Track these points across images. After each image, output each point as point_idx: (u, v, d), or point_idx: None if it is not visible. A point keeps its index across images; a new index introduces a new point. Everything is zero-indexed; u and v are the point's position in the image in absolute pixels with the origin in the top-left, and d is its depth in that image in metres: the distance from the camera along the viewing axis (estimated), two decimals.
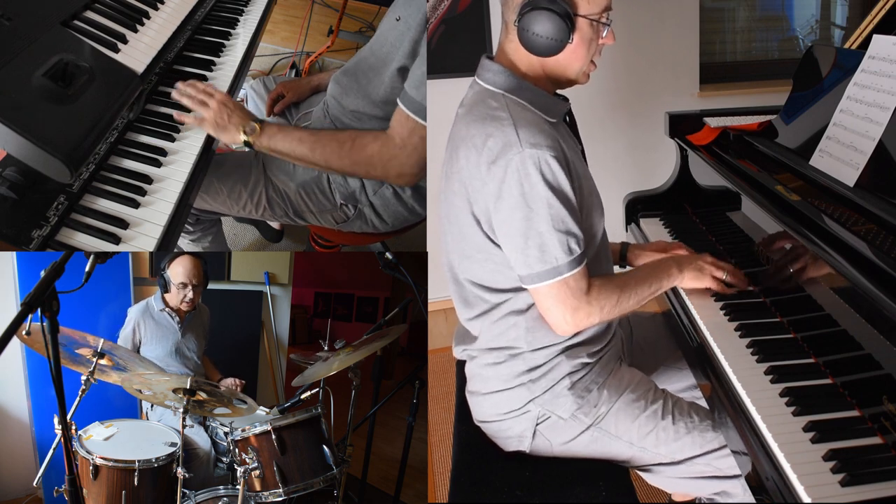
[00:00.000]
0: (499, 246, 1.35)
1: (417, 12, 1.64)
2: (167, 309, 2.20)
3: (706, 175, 1.96)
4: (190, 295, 2.17)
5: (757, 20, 3.79)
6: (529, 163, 1.26)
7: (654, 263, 1.54)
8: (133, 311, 2.21)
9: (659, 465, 1.47)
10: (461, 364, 1.62)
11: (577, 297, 1.33)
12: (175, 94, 1.68)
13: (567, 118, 1.51)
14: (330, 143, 1.70)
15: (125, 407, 2.26)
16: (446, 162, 1.44)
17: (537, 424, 1.45)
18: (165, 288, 2.17)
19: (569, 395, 1.43)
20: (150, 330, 2.19)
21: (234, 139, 1.68)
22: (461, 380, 1.65)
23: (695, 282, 1.53)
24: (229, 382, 2.19)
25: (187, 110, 1.71)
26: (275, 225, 2.82)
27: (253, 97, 2.36)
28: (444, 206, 1.46)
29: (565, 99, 1.48)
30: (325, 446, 1.81)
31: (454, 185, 1.39)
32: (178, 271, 2.15)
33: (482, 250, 1.38)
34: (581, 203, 1.35)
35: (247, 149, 1.74)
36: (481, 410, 1.51)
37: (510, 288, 1.39)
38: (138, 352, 2.17)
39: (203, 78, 1.86)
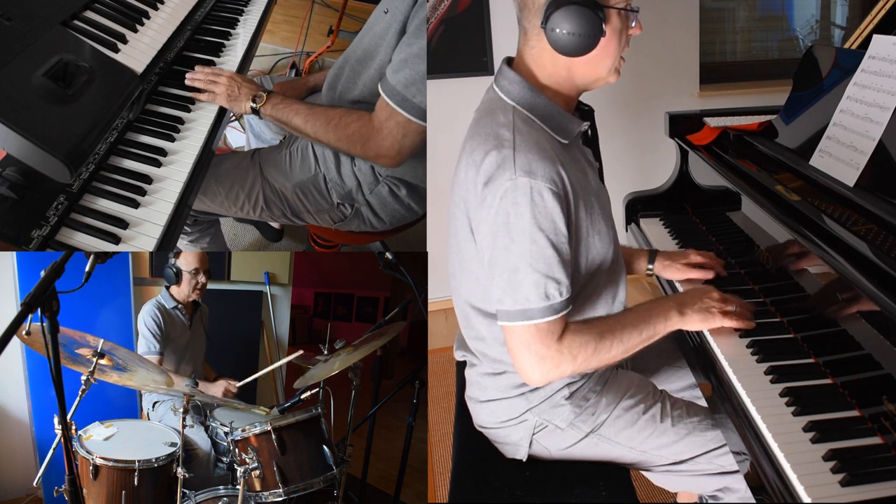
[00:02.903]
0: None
1: (403, 3, 1.65)
2: (178, 306, 2.22)
3: (706, 175, 1.96)
4: (203, 280, 2.21)
5: (757, 20, 3.79)
6: (520, 192, 1.17)
7: (649, 305, 1.37)
8: (151, 311, 2.17)
9: (661, 465, 1.47)
10: (461, 365, 1.61)
11: (546, 344, 1.22)
12: (188, 80, 1.77)
13: (589, 131, 1.43)
14: (320, 118, 1.78)
15: (125, 407, 2.26)
16: (455, 170, 1.39)
17: (534, 434, 1.43)
18: (176, 279, 2.18)
19: (566, 405, 1.41)
20: (169, 327, 2.20)
21: (245, 108, 1.80)
22: (461, 380, 1.65)
23: (703, 323, 1.38)
24: (223, 387, 2.17)
25: (185, 109, 1.73)
26: (275, 224, 2.83)
27: None
28: (449, 218, 1.40)
29: (588, 111, 1.41)
30: (325, 446, 1.81)
31: (456, 196, 1.34)
32: (189, 259, 2.19)
33: (478, 266, 1.31)
34: (581, 235, 1.27)
35: (247, 148, 1.75)
36: (479, 417, 1.51)
37: None
38: (163, 351, 2.17)
39: None
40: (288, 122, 1.80)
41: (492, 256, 1.23)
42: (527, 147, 1.20)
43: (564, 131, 1.30)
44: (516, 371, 1.29)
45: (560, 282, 1.21)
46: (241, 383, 2.17)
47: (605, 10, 1.23)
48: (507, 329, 1.25)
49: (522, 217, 1.18)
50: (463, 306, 1.43)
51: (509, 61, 1.36)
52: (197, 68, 1.80)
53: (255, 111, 1.79)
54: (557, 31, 1.22)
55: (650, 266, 1.68)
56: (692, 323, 1.37)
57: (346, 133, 1.75)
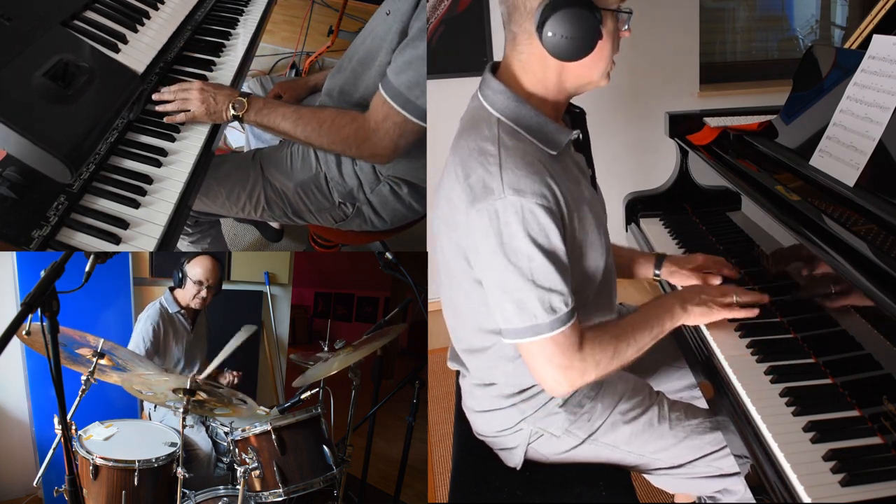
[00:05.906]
0: (481, 283, 1.26)
1: (405, 4, 1.64)
2: (181, 311, 2.20)
3: (706, 175, 1.96)
4: (203, 294, 2.18)
5: (757, 20, 3.79)
6: (511, 211, 1.14)
7: (653, 304, 1.38)
8: (150, 315, 2.16)
9: (659, 469, 1.47)
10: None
11: (568, 355, 1.21)
12: (159, 106, 1.68)
13: (581, 135, 1.37)
14: (311, 122, 1.74)
15: (125, 407, 2.26)
16: (439, 180, 1.34)
17: (529, 443, 1.43)
18: (180, 283, 2.16)
19: (561, 413, 1.40)
20: (168, 333, 2.18)
21: (226, 118, 1.71)
22: (460, 386, 1.65)
23: (704, 317, 1.39)
24: (227, 377, 2.19)
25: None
26: (275, 224, 2.83)
27: None
28: (434, 232, 1.37)
29: (579, 113, 1.38)
30: (325, 446, 1.81)
31: (439, 210, 1.31)
32: (197, 270, 2.16)
33: (466, 280, 1.29)
34: (575, 247, 1.25)
35: (247, 148, 1.74)
36: (477, 426, 1.50)
37: (496, 329, 1.29)
38: (157, 353, 2.15)
39: (203, 78, 1.86)
40: (275, 128, 1.74)
41: (491, 277, 1.21)
42: (513, 163, 1.17)
43: (553, 142, 1.25)
44: (539, 384, 1.29)
45: (563, 293, 1.19)
46: (207, 370, 2.08)
47: (600, 11, 1.18)
48: (523, 347, 1.23)
49: (515, 237, 1.16)
50: (451, 318, 1.43)
51: (494, 67, 1.31)
52: (163, 90, 1.67)
53: (237, 118, 1.71)
54: (553, 34, 1.17)
55: (657, 272, 1.65)
56: (693, 317, 1.38)
57: (340, 136, 1.72)
